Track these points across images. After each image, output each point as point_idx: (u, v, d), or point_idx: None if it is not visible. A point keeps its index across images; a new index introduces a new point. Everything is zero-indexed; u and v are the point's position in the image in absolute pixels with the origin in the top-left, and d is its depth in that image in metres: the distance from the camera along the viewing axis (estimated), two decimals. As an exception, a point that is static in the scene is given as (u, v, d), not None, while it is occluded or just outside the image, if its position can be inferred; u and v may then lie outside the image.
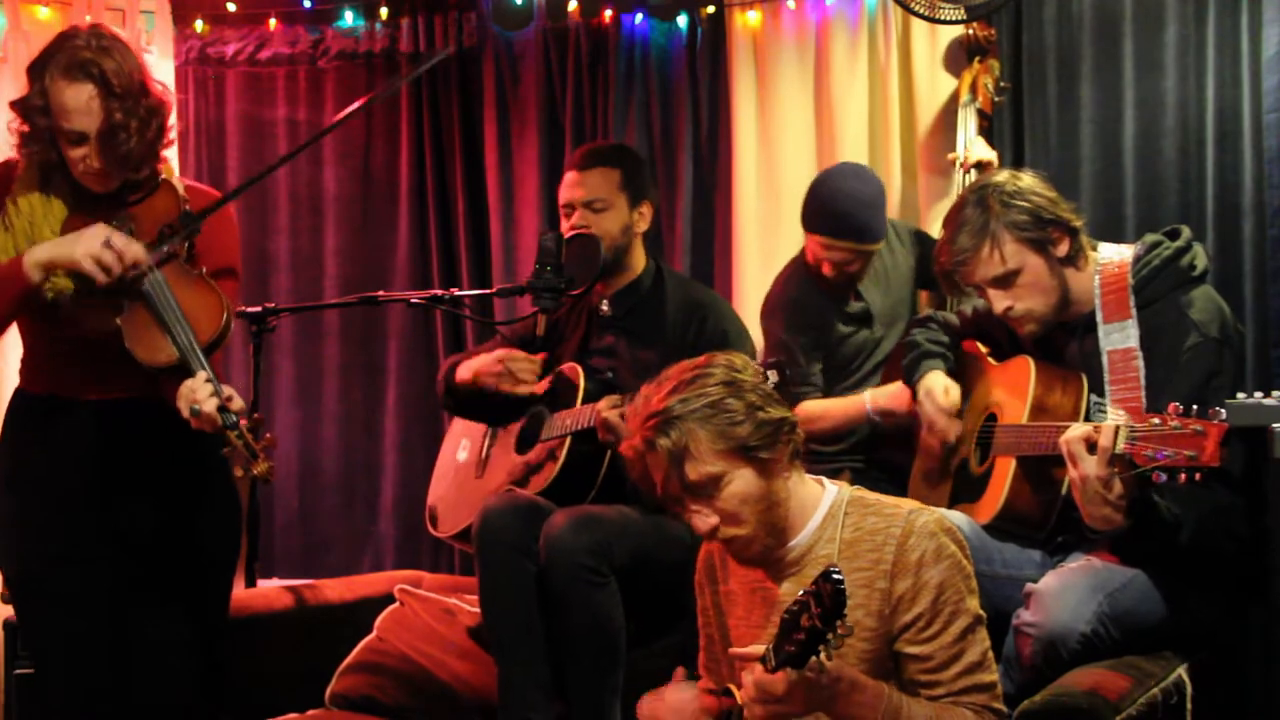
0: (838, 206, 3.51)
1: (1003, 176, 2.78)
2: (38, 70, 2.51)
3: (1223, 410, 2.21)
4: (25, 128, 2.55)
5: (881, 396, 3.39)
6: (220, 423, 2.39)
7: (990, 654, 2.18)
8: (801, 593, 1.90)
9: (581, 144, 4.34)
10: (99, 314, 2.53)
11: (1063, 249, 2.71)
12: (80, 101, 2.46)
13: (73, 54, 2.48)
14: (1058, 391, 2.72)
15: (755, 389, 2.16)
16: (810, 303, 3.60)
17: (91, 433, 2.64)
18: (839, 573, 1.85)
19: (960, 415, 2.95)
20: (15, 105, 2.55)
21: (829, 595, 1.84)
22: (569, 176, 3.39)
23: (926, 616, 2.12)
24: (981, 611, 2.17)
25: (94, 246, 2.44)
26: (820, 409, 3.48)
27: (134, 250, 2.47)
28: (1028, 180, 2.76)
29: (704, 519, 2.15)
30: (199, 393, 2.39)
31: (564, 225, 3.36)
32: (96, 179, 2.56)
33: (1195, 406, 2.24)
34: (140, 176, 2.61)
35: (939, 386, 2.93)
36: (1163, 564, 2.55)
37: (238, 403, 2.41)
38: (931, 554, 2.12)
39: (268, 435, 2.43)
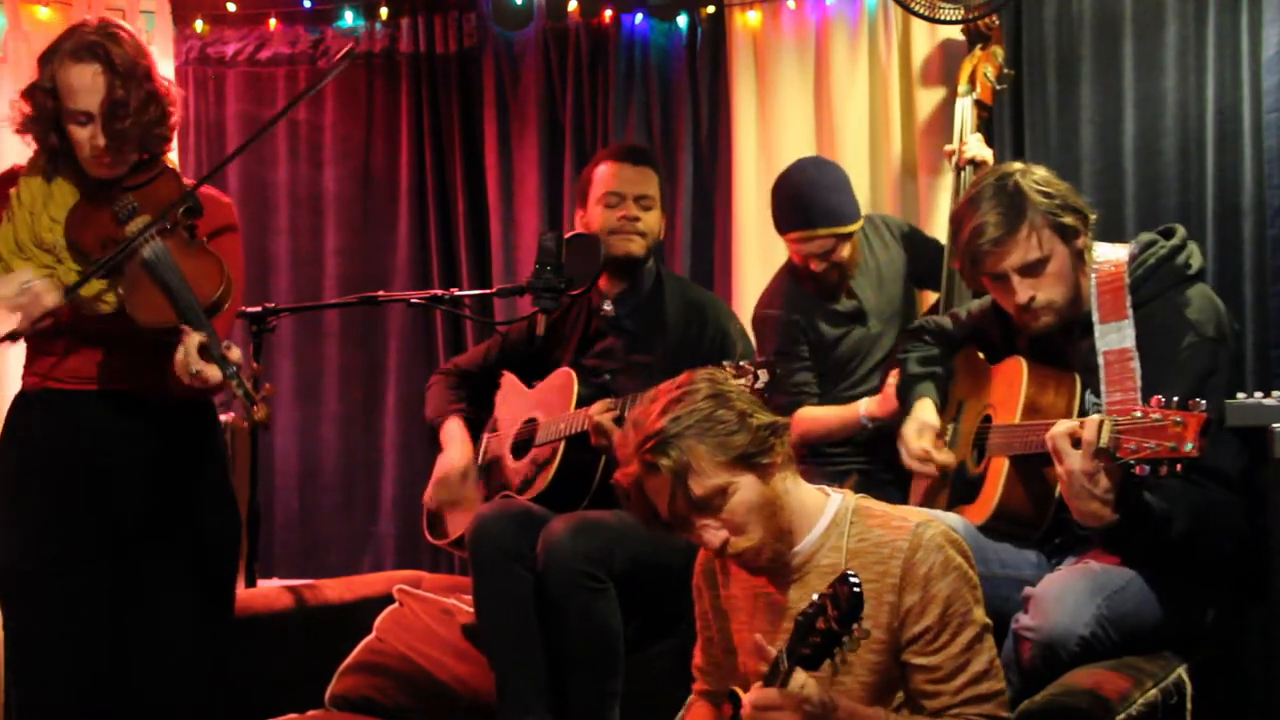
0: (802, 197, 3.50)
1: (1019, 166, 2.78)
2: (47, 57, 2.59)
3: (1203, 401, 2.20)
4: (30, 110, 2.60)
5: (873, 404, 3.39)
6: (221, 372, 2.40)
7: (997, 662, 2.17)
8: (817, 595, 1.91)
9: (582, 144, 4.37)
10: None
11: (1081, 241, 2.71)
12: (85, 80, 2.54)
13: (81, 38, 2.57)
14: (1050, 391, 2.71)
15: (741, 396, 2.18)
16: (792, 319, 3.57)
17: (87, 425, 2.65)
18: (856, 576, 1.86)
19: (957, 419, 2.95)
20: (25, 91, 2.62)
21: (846, 598, 1.85)
22: (614, 168, 3.35)
23: (935, 629, 2.12)
24: (988, 620, 2.17)
25: (8, 292, 2.49)
26: (816, 414, 3.48)
27: (49, 299, 2.51)
28: (1044, 172, 2.76)
29: (714, 533, 2.15)
30: (195, 348, 2.41)
31: (606, 216, 3.32)
32: (101, 161, 2.59)
33: (1176, 399, 2.22)
34: (144, 161, 2.65)
35: (911, 430, 2.91)
36: (1160, 563, 2.55)
37: (236, 353, 2.43)
38: (939, 567, 2.12)
39: (266, 385, 2.46)
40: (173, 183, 2.67)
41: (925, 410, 2.94)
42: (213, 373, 2.39)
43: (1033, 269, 2.68)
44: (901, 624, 2.13)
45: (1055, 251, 2.68)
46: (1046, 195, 2.68)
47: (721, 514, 2.13)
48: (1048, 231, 2.67)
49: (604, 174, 3.37)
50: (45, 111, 2.59)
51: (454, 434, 3.44)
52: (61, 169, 2.65)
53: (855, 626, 1.87)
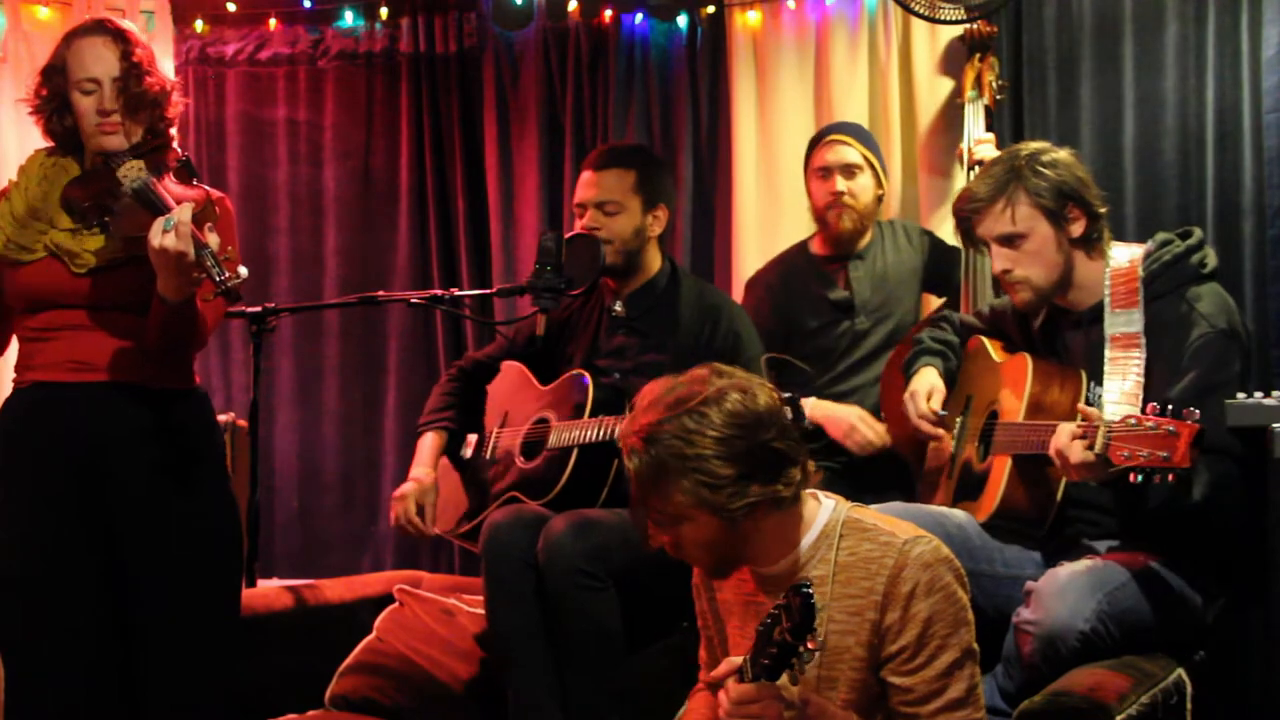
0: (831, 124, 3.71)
1: (1039, 145, 2.80)
2: (64, 41, 2.70)
3: (1196, 411, 2.21)
4: (44, 91, 2.69)
5: (819, 411, 3.39)
6: (192, 247, 2.43)
7: (979, 690, 2.14)
8: (774, 606, 1.89)
9: (582, 144, 4.37)
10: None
11: (1077, 229, 2.72)
12: (94, 50, 2.65)
13: (91, 21, 2.73)
14: (1055, 389, 2.72)
15: (770, 426, 2.05)
16: (778, 297, 3.60)
17: (77, 418, 2.63)
18: (809, 586, 1.84)
19: (965, 412, 2.95)
20: (42, 71, 2.72)
21: (798, 609, 1.83)
22: (584, 176, 3.37)
23: (911, 649, 2.08)
24: (974, 646, 2.12)
25: None
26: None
27: None
28: (1064, 155, 2.77)
29: (659, 538, 2.15)
30: (172, 216, 2.45)
31: (577, 225, 3.35)
32: (106, 128, 2.64)
33: (1171, 407, 2.23)
34: (148, 145, 2.70)
35: (923, 388, 2.95)
36: (1175, 532, 2.55)
37: (213, 239, 2.47)
38: (924, 586, 2.08)
39: (239, 268, 2.49)
40: (184, 172, 2.74)
41: (933, 376, 2.98)
42: (185, 244, 2.42)
43: (1008, 241, 2.73)
44: (881, 641, 2.10)
45: (1035, 230, 2.71)
46: (1041, 176, 2.71)
47: (670, 532, 2.12)
48: (1027, 209, 2.71)
49: (579, 183, 3.39)
50: (56, 90, 2.67)
51: (423, 452, 3.43)
52: (69, 152, 2.71)
53: (809, 637, 1.84)
